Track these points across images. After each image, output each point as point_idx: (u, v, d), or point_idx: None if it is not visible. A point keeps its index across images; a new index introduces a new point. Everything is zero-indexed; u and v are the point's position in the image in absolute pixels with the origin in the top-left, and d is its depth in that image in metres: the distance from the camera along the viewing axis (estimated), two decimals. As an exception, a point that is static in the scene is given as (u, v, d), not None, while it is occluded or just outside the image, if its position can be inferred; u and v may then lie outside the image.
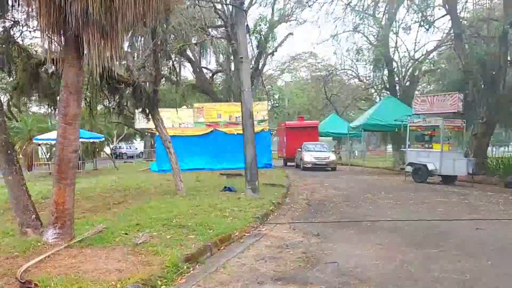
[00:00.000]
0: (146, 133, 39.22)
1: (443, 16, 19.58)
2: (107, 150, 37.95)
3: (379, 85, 29.34)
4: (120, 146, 49.59)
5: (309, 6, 26.02)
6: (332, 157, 22.62)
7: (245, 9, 11.74)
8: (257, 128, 24.29)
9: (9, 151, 5.95)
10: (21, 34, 9.03)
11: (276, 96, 48.89)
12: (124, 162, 37.55)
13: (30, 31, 11.22)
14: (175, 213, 8.52)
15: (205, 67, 35.31)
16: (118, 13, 4.98)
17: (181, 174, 12.47)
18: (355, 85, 37.25)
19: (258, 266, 5.57)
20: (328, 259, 5.80)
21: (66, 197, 5.67)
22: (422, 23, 20.41)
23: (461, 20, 18.07)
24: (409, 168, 17.33)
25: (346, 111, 40.87)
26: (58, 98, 5.85)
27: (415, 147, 17.50)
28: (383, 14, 26.26)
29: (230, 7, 20.84)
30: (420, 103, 17.78)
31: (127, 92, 11.51)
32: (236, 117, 25.22)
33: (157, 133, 14.14)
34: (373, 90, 32.86)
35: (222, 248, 6.46)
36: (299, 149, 23.56)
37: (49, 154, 26.96)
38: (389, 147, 36.17)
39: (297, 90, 47.89)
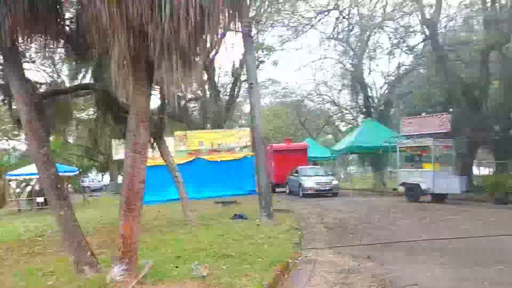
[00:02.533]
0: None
1: (423, 41, 20.42)
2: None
3: (355, 109, 30.07)
4: (82, 180, 47.54)
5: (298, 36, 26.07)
6: (334, 181, 20.99)
7: (252, 36, 11.81)
8: (241, 155, 24.38)
9: (58, 185, 5.49)
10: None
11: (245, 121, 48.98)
12: (90, 196, 35.80)
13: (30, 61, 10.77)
14: (205, 244, 8.17)
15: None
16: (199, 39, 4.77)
17: (167, 206, 12.02)
18: (330, 109, 38.01)
19: (338, 294, 5.35)
20: (402, 282, 5.66)
21: (134, 230, 5.27)
22: (401, 48, 21.27)
23: (442, 44, 18.92)
24: (401, 188, 17.66)
25: (320, 135, 41.46)
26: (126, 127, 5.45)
27: (405, 167, 17.91)
28: (356, 41, 27.09)
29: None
30: (408, 124, 18.32)
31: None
32: (218, 144, 25.04)
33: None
34: (349, 115, 33.65)
35: (286, 276, 6.19)
36: (295, 174, 21.60)
37: (19, 190, 25.43)
38: (363, 169, 37.02)
39: (264, 116, 48.21)
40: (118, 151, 24.94)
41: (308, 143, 28.70)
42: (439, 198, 16.66)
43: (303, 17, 24.02)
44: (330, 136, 45.54)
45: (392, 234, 9.39)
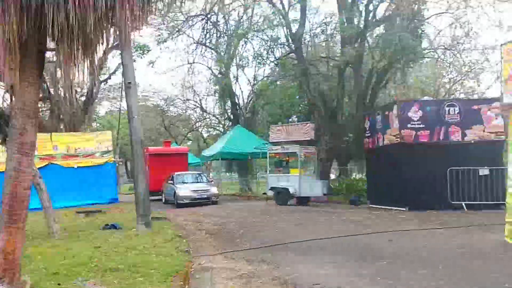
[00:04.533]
0: None
1: (289, 53, 21.72)
2: None
3: (223, 116, 30.54)
4: None
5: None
6: (213, 189, 19.38)
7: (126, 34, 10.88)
8: (101, 160, 22.62)
9: None
10: None
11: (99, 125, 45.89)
12: None
13: None
14: (83, 257, 7.23)
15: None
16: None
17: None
18: (193, 115, 37.89)
19: (246, 300, 5.17)
20: (304, 282, 5.74)
21: (17, 243, 4.30)
22: (268, 58, 22.31)
23: (305, 58, 20.37)
24: (270, 193, 18.40)
25: (184, 142, 41.02)
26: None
27: (274, 172, 18.75)
28: (225, 49, 27.54)
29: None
30: (276, 132, 19.23)
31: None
32: (75, 149, 22.79)
33: None
34: (217, 121, 33.97)
35: (186, 286, 5.77)
36: (170, 182, 19.66)
37: None
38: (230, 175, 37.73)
39: (122, 120, 45.87)
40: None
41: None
42: (304, 201, 17.79)
43: (175, 20, 23.54)
44: (189, 142, 45.36)
45: (277, 236, 9.59)
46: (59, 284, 5.45)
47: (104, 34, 4.41)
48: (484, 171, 13.49)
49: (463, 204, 13.35)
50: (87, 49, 4.22)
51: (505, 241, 7.99)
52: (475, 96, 25.16)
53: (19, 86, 4.31)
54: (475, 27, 21.93)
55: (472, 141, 13.85)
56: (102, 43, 4.50)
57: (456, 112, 14.06)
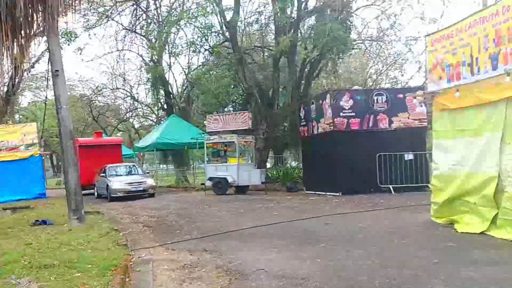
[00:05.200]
0: None
1: (223, 42, 21.56)
2: None
3: (156, 105, 29.73)
4: None
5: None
6: (150, 181, 18.71)
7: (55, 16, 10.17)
8: (26, 154, 21.23)
9: None
10: None
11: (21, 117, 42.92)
12: None
13: None
14: (14, 255, 6.76)
15: None
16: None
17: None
18: (123, 105, 36.53)
19: (191, 290, 5.14)
20: (248, 269, 5.80)
21: None
22: (201, 46, 22.03)
23: (240, 47, 20.35)
24: (209, 183, 18.32)
25: (115, 131, 39.49)
26: None
27: (212, 162, 18.67)
28: (156, 36, 26.71)
29: None
30: (213, 121, 19.11)
31: None
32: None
33: None
34: (149, 111, 32.97)
35: (127, 279, 5.60)
36: (103, 175, 18.83)
37: None
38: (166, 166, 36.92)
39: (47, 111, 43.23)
40: None
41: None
42: (242, 189, 17.95)
43: (103, 6, 22.41)
44: (120, 133, 43.77)
45: (217, 226, 9.59)
46: (-12, 285, 5.06)
47: (35, 18, 4.11)
48: (409, 156, 14.42)
49: (391, 188, 14.19)
50: (16, 34, 3.90)
51: (431, 220, 8.61)
52: (399, 86, 26.65)
53: None
54: (400, 19, 23.21)
55: (394, 129, 14.70)
56: (32, 27, 4.19)
57: (383, 100, 14.84)
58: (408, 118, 14.81)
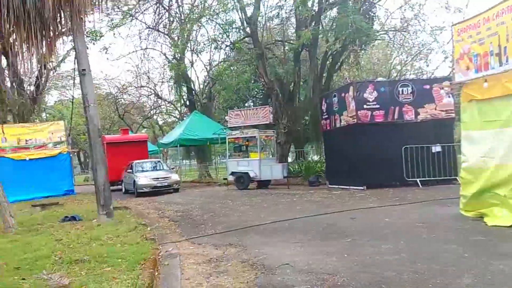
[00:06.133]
0: None
1: (244, 38, 21.51)
2: None
3: (179, 102, 30.01)
4: None
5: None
6: (174, 176, 19.02)
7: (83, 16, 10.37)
8: (54, 151, 21.77)
9: None
10: None
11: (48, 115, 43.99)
12: None
13: None
14: (45, 251, 6.97)
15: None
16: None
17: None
18: (147, 102, 37.01)
19: (217, 282, 5.16)
20: (273, 263, 5.79)
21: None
22: (223, 43, 22.06)
23: (261, 41, 20.28)
24: (231, 178, 18.42)
25: (140, 128, 40.09)
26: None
27: (234, 157, 18.75)
28: (179, 34, 26.91)
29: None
30: (234, 117, 19.20)
31: None
32: (26, 141, 21.80)
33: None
34: (172, 107, 33.31)
35: (156, 273, 5.68)
36: (130, 171, 19.28)
37: None
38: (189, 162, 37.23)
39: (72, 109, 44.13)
40: None
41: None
42: (264, 184, 17.98)
43: (127, 5, 22.69)
44: (144, 130, 44.40)
45: (241, 220, 9.63)
46: (23, 279, 5.22)
47: (63, 18, 4.22)
48: (436, 148, 14.11)
49: (418, 181, 13.94)
50: (45, 34, 4.02)
51: (460, 214, 8.42)
52: (424, 77, 26.10)
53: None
54: (424, 9, 22.66)
55: (420, 120, 14.41)
56: (59, 27, 4.29)
57: (409, 92, 14.56)
58: (435, 109, 14.50)
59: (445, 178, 13.77)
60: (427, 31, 21.67)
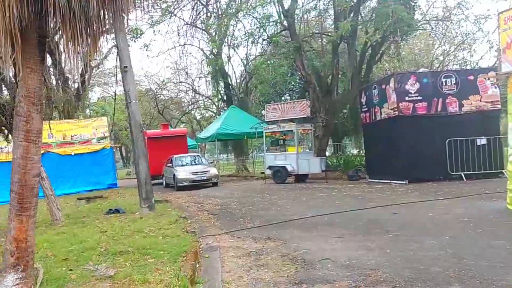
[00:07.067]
0: None
1: (282, 31, 21.41)
2: None
3: (216, 97, 30.31)
4: None
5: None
6: (213, 170, 19.18)
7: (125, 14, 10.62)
8: (98, 146, 22.53)
9: None
10: None
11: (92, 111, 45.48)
12: None
13: None
14: (91, 242, 7.22)
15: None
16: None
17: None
18: (185, 98, 37.60)
19: (257, 276, 5.18)
20: (313, 257, 5.76)
21: (29, 231, 4.30)
22: (260, 37, 22.00)
23: (298, 34, 20.11)
24: (268, 172, 18.44)
25: (179, 123, 40.81)
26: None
27: (271, 151, 18.74)
28: (216, 29, 27.09)
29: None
30: (272, 110, 19.15)
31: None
32: (71, 136, 22.67)
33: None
34: (210, 102, 33.72)
35: (198, 265, 5.78)
36: (170, 165, 19.61)
37: None
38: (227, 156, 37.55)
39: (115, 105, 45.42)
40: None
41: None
42: (302, 178, 17.89)
43: (165, 2, 23.03)
44: (182, 125, 45.11)
45: (279, 214, 9.63)
46: (70, 270, 5.45)
47: (106, 15, 4.34)
48: (481, 141, 13.57)
49: (462, 175, 13.46)
50: (89, 32, 4.15)
51: (506, 208, 8.06)
52: (468, 67, 25.09)
53: (23, 74, 4.25)
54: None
55: (464, 112, 13.87)
56: (102, 26, 4.42)
57: (452, 83, 14.04)
58: (480, 100, 13.91)
59: (491, 171, 13.22)
60: (471, 20, 20.81)
